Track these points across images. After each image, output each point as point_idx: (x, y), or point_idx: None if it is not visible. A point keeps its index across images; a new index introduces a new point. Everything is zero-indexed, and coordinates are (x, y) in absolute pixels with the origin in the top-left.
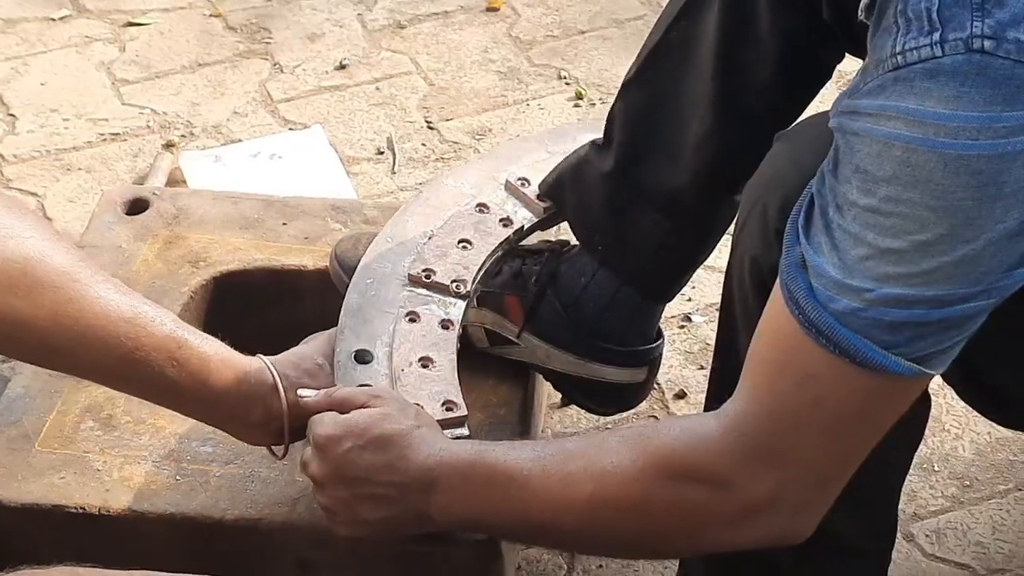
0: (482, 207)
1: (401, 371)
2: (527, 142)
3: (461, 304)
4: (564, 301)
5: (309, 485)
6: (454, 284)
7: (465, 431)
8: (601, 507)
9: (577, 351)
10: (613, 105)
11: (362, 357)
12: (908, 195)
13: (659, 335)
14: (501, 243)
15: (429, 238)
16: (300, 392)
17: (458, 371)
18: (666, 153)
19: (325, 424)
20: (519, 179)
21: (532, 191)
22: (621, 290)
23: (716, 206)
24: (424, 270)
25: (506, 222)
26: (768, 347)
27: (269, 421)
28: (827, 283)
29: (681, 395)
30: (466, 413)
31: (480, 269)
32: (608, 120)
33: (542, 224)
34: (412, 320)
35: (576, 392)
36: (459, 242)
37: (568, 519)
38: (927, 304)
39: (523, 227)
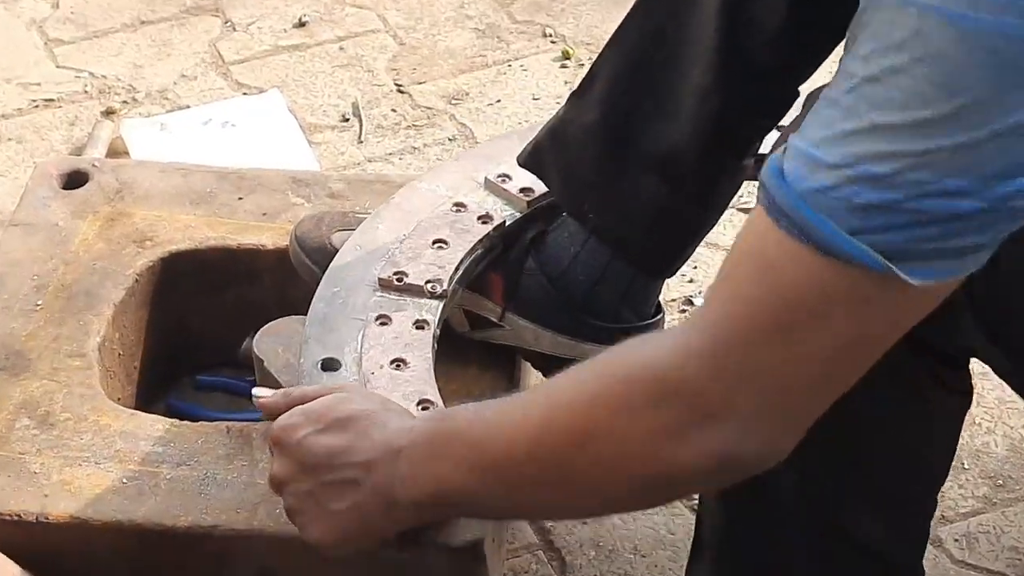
0: (459, 206)
1: (371, 374)
2: (507, 139)
3: (437, 305)
4: (551, 274)
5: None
6: (429, 285)
7: None
8: (548, 432)
9: (567, 331)
10: (601, 53)
11: (329, 365)
12: (915, 67)
13: (658, 310)
14: (480, 240)
15: (401, 241)
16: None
17: (438, 362)
18: (663, 107)
19: (281, 417)
20: (499, 176)
21: (514, 186)
22: (613, 262)
23: (720, 170)
24: (395, 273)
25: (485, 219)
26: (735, 245)
27: None
28: (802, 162)
29: None
30: None
31: (458, 268)
32: (592, 69)
33: (527, 219)
34: (383, 324)
35: None
36: (434, 242)
37: (518, 451)
38: (906, 188)
39: (504, 222)
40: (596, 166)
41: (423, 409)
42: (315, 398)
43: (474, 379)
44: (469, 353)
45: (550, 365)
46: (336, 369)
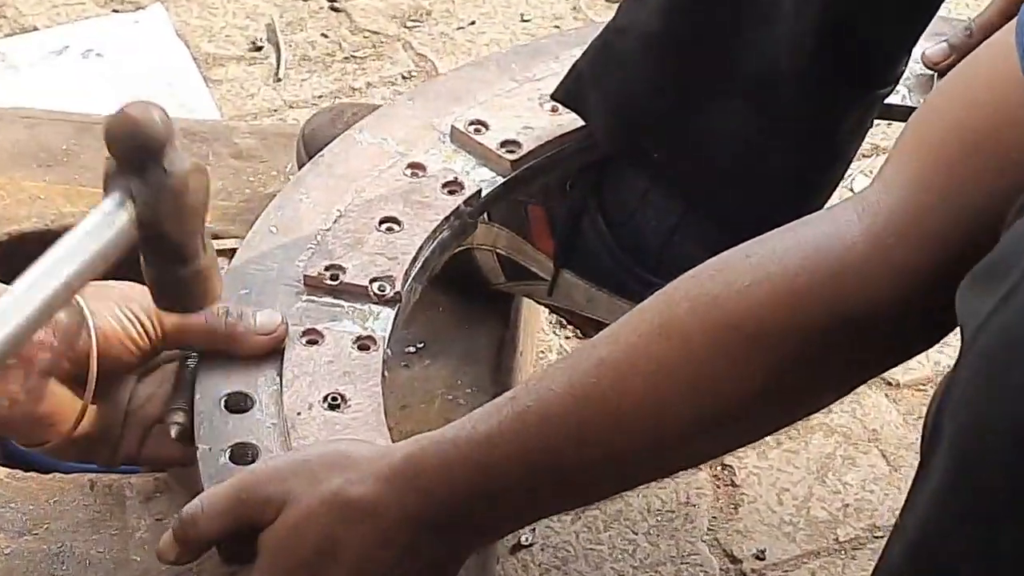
0: (415, 169)
1: (297, 416)
2: (481, 69)
3: (388, 314)
4: (612, 219)
5: (151, 566)
6: (375, 285)
7: None
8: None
9: (630, 294)
10: None
11: (236, 403)
12: None
13: None
14: (447, 218)
15: (335, 221)
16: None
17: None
18: (753, 8)
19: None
20: (471, 124)
21: (493, 138)
22: (687, 217)
23: (831, 100)
24: (328, 267)
25: (453, 187)
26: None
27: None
28: None
29: None
30: None
31: (416, 259)
32: None
33: (514, 186)
34: (312, 342)
35: None
36: (381, 222)
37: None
38: None
39: (480, 192)
40: (659, 89)
41: None
42: (254, 518)
43: (457, 364)
44: (458, 325)
45: None
46: (246, 409)
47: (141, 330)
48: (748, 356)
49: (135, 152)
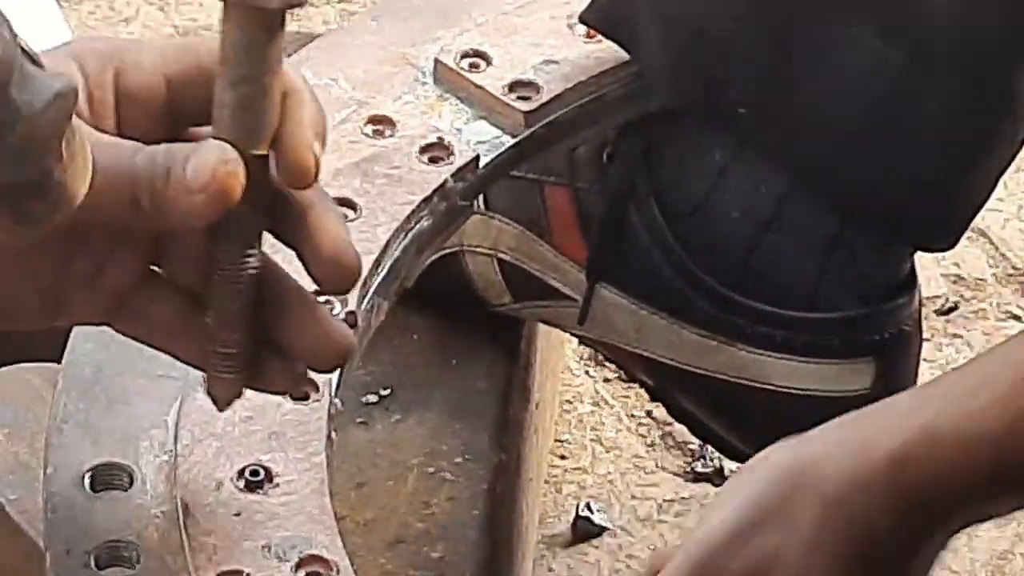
0: (380, 124)
1: (196, 500)
2: None
3: None
4: (673, 208)
5: None
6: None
7: None
8: None
9: (705, 319)
10: None
11: (107, 478)
12: None
13: (908, 283)
14: (427, 200)
15: None
16: None
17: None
18: None
19: None
20: (465, 56)
21: (497, 79)
22: (788, 202)
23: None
24: None
25: (436, 153)
26: None
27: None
28: None
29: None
30: None
31: (379, 262)
32: None
33: (527, 152)
34: None
35: (712, 419)
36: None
37: None
38: None
39: (476, 160)
40: (750, 13)
41: None
42: None
43: (449, 418)
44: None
45: (672, 389)
46: (122, 487)
47: None
48: None
49: None
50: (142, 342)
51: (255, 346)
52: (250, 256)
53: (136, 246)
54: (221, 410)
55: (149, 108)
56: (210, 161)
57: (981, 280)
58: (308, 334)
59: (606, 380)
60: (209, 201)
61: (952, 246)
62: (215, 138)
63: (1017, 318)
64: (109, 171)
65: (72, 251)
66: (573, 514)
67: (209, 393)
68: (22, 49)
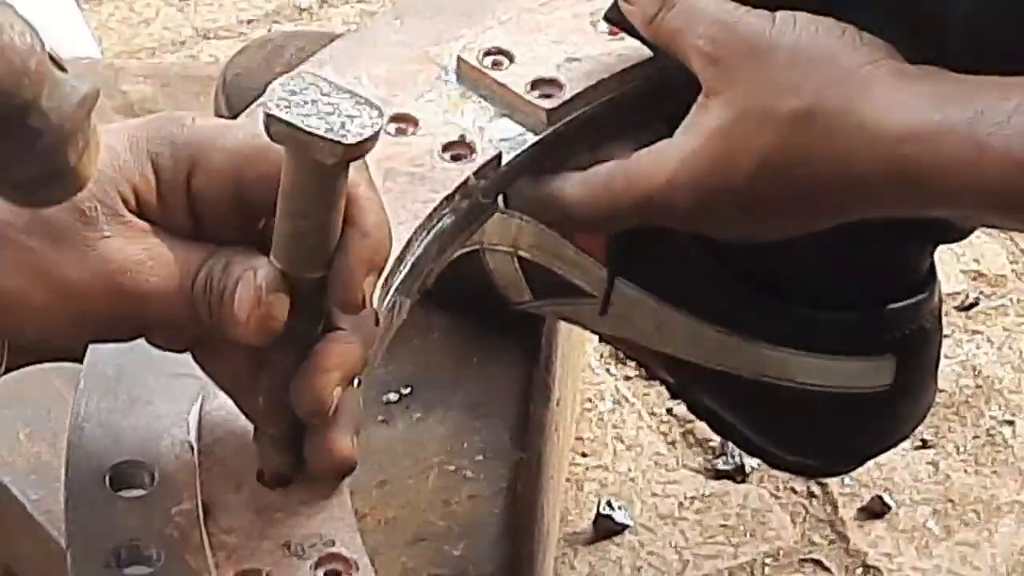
0: (402, 123)
1: (216, 499)
2: None
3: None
4: None
5: None
6: None
7: None
8: None
9: (727, 318)
10: None
11: (128, 478)
12: None
13: (928, 279)
14: (449, 198)
15: None
16: None
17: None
18: None
19: None
20: (488, 54)
21: (520, 74)
22: None
23: None
24: None
25: (458, 151)
26: None
27: None
28: None
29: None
30: None
31: (401, 260)
32: None
33: (550, 149)
34: None
35: (733, 416)
36: None
37: None
38: None
39: (499, 158)
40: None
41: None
42: None
43: (456, 430)
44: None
45: (693, 387)
46: (143, 486)
47: None
48: None
49: None
50: (216, 383)
51: (298, 440)
52: (299, 360)
53: None
54: (272, 488)
55: (221, 208)
56: (251, 293)
57: (1001, 276)
58: (313, 442)
59: (627, 378)
60: (255, 331)
61: (967, 234)
62: (271, 256)
63: None
64: (171, 295)
65: None
66: (595, 512)
67: (261, 463)
68: (49, 56)
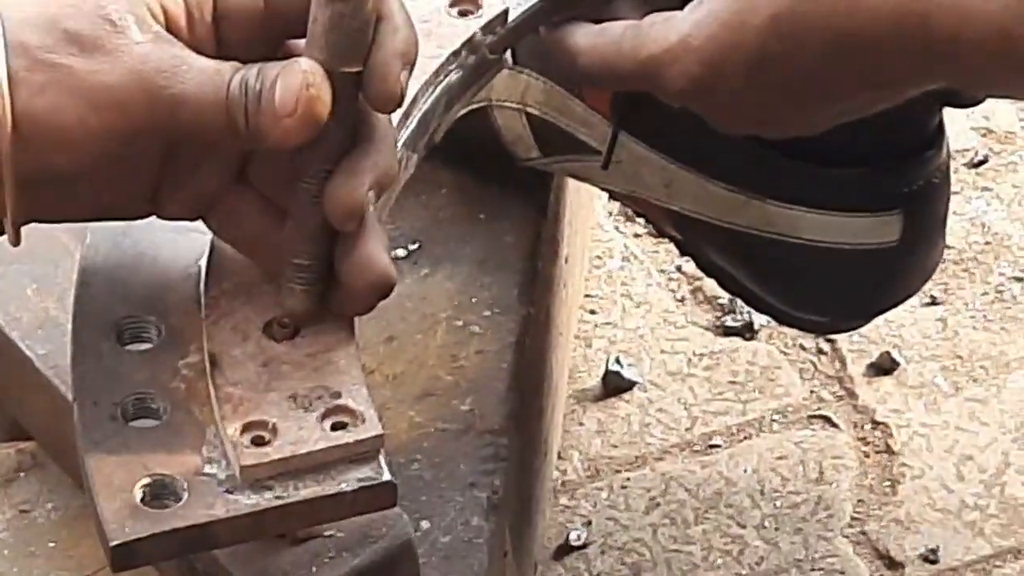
0: None
1: (223, 351)
2: None
3: None
4: None
5: None
6: None
7: (377, 471)
8: None
9: (734, 175)
10: None
11: (135, 331)
12: None
13: (936, 136)
14: (456, 53)
15: None
16: None
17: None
18: None
19: None
20: None
21: None
22: None
23: None
24: None
25: (464, 5)
26: None
27: None
28: None
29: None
30: (379, 432)
31: (408, 115)
32: None
33: (559, 2)
34: None
35: (741, 273)
36: None
37: None
38: None
39: (506, 12)
40: None
41: (336, 428)
42: None
43: (451, 349)
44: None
45: (700, 240)
46: (149, 340)
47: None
48: None
49: None
50: (232, 245)
51: (328, 264)
52: (331, 171)
53: (228, 153)
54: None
55: (247, 25)
56: (295, 84)
57: (1011, 133)
58: (351, 256)
59: (636, 235)
60: (298, 126)
61: (980, 101)
62: (307, 55)
63: None
64: (207, 98)
65: (169, 155)
66: (603, 369)
67: (283, 305)
68: None
